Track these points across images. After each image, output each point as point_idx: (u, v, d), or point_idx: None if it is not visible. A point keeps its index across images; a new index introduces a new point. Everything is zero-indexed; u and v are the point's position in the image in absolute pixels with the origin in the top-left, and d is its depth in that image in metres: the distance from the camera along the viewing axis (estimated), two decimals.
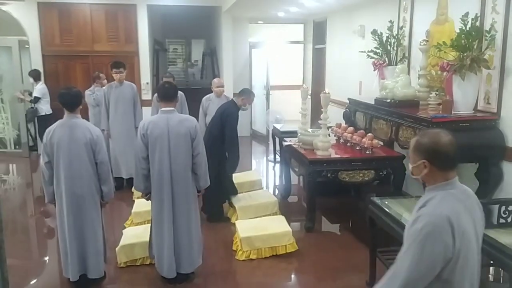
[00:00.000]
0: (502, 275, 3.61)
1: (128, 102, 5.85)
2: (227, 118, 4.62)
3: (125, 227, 4.48)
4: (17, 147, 8.22)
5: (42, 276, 3.91)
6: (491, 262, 3.35)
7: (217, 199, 4.74)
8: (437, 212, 1.61)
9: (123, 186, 5.90)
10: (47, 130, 3.36)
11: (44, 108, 7.48)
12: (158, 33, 10.11)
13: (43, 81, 7.69)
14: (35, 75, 7.54)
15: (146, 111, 6.31)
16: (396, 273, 1.66)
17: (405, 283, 1.61)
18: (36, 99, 7.42)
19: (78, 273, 3.38)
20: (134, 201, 5.02)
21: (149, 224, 3.62)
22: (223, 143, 4.61)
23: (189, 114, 4.66)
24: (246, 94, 4.84)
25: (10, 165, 7.77)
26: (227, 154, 4.69)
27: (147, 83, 8.37)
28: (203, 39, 11.62)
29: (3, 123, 8.34)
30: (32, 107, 7.54)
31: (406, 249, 1.64)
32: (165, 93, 3.48)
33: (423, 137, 1.73)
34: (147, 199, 3.54)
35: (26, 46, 8.01)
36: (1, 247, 1.97)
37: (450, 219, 1.59)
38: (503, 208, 3.41)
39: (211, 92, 5.78)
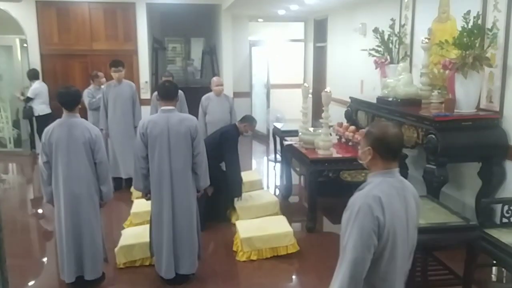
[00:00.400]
0: (505, 275, 3.59)
1: (127, 101, 5.80)
2: (226, 140, 4.62)
3: (124, 228, 4.44)
4: (17, 146, 8.20)
5: (41, 276, 3.88)
6: (494, 262, 3.33)
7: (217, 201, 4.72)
8: (370, 194, 1.75)
9: (122, 186, 5.85)
10: (45, 130, 3.32)
11: (38, 108, 7.39)
12: (157, 32, 10.05)
13: (40, 80, 7.62)
14: (30, 74, 7.49)
15: (145, 110, 6.26)
16: (343, 258, 1.72)
17: (353, 264, 1.68)
18: (28, 99, 7.35)
19: (75, 275, 3.34)
20: (133, 201, 4.98)
21: (148, 225, 3.57)
22: (215, 159, 4.52)
23: (189, 113, 4.62)
24: (249, 121, 4.84)
25: (10, 164, 7.74)
26: (227, 170, 4.68)
27: (146, 82, 8.33)
28: (202, 38, 11.58)
29: (2, 122, 8.31)
30: (25, 107, 7.49)
31: (349, 233, 1.71)
32: (166, 92, 3.45)
33: (373, 127, 1.89)
34: (147, 199, 3.51)
35: (25, 45, 7.96)
36: (1, 246, 1.93)
37: (380, 199, 1.71)
38: (506, 207, 3.39)
39: (211, 91, 5.73)
